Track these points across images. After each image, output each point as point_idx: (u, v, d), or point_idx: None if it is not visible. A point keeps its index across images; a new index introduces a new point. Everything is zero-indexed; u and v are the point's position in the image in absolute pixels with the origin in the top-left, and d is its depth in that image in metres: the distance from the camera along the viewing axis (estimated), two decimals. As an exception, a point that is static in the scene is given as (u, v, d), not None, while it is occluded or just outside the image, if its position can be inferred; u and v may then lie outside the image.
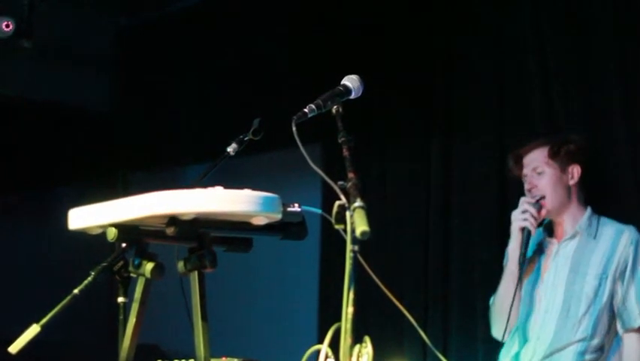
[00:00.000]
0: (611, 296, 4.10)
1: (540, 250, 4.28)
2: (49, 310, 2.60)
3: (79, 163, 7.10)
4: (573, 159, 4.22)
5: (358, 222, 2.30)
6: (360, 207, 2.35)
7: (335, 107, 2.82)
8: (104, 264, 2.71)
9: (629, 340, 4.11)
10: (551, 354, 4.10)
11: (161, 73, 6.93)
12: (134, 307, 2.79)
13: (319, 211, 2.81)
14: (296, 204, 2.81)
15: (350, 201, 2.38)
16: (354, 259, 2.32)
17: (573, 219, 4.23)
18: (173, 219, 2.59)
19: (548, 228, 4.31)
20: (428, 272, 5.18)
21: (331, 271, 5.62)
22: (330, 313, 5.49)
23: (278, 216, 2.67)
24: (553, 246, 4.27)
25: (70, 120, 7.04)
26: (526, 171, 4.27)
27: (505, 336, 4.17)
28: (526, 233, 4.13)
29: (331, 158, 5.10)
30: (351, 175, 2.46)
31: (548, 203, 4.18)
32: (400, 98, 5.39)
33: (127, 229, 2.71)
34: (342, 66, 3.28)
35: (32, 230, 7.01)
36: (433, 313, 5.08)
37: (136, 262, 2.74)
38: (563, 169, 4.21)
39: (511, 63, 4.98)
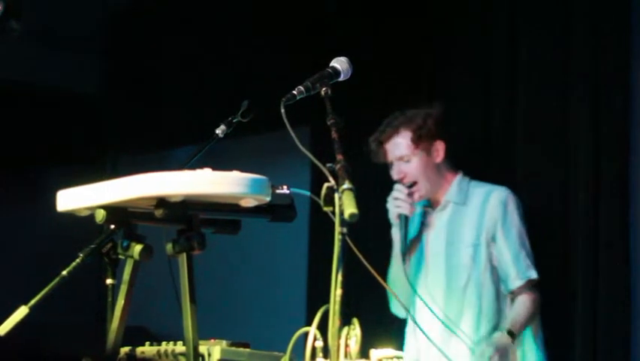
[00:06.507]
0: (490, 261, 4.09)
1: (421, 221, 4.26)
2: (38, 292, 2.59)
3: (67, 145, 7.07)
4: (435, 137, 4.16)
5: (347, 205, 2.31)
6: (348, 189, 2.35)
7: (324, 89, 2.81)
8: (93, 246, 2.70)
9: (516, 302, 4.07)
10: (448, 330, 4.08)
11: (150, 54, 6.91)
12: (123, 289, 2.79)
13: (308, 193, 2.82)
14: (285, 187, 2.81)
15: (339, 184, 2.38)
16: (343, 242, 2.33)
17: (445, 190, 4.21)
18: (161, 201, 2.59)
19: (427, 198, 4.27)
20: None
21: (320, 253, 5.61)
22: (318, 296, 5.48)
23: (266, 198, 2.67)
24: (431, 216, 4.26)
25: (59, 102, 7.01)
26: (391, 158, 4.18)
27: (403, 312, 4.20)
28: (403, 218, 4.10)
29: (320, 140, 5.08)
30: (339, 157, 2.46)
31: (422, 188, 4.14)
32: (388, 78, 5.38)
33: (115, 211, 2.70)
34: (331, 47, 3.27)
35: (20, 212, 6.99)
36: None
37: (124, 244, 2.74)
38: (429, 151, 4.15)
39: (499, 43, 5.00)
